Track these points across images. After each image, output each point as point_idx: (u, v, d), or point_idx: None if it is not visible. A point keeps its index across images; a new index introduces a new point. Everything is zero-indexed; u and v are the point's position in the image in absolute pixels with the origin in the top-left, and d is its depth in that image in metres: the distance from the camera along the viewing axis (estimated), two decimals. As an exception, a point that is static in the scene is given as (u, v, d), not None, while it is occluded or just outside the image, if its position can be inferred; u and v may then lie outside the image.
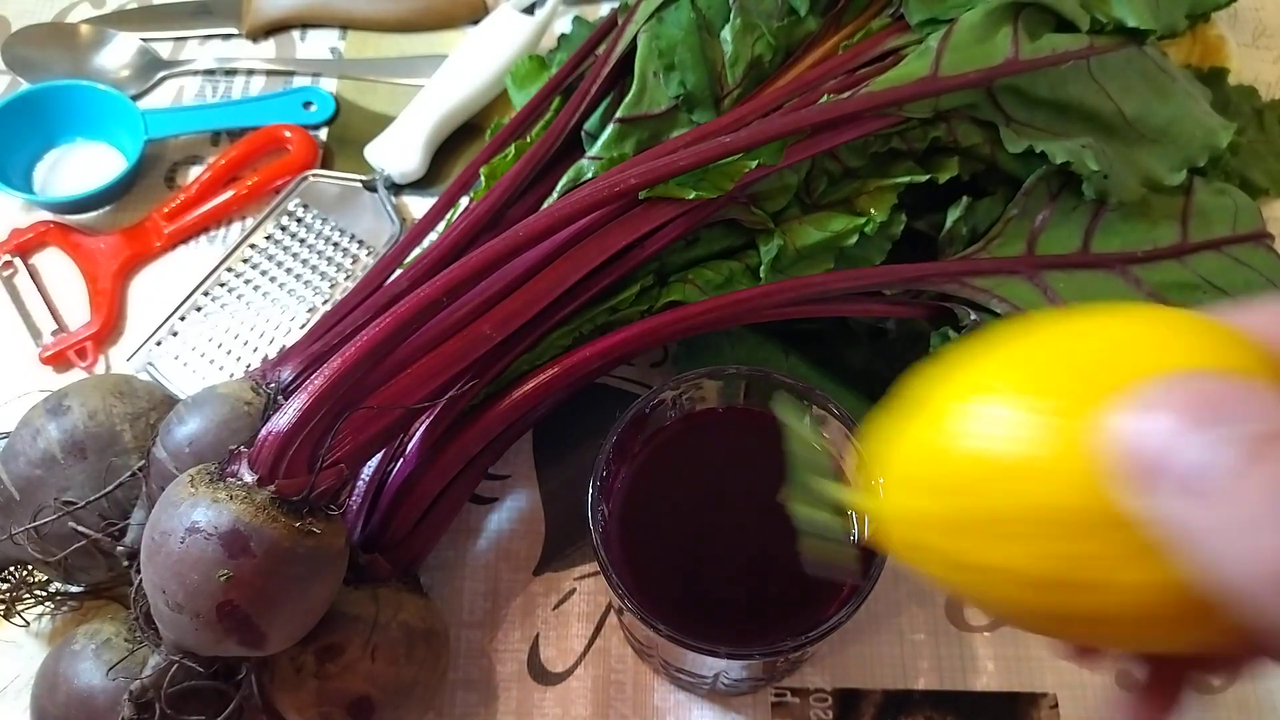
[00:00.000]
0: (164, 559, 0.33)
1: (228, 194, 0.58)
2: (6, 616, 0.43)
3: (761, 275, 0.46)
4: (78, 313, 0.56)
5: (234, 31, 0.66)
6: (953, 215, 0.47)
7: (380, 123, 0.61)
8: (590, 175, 0.46)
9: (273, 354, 0.53)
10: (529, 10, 0.63)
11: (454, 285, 0.39)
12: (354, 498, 0.43)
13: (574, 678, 0.46)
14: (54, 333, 0.55)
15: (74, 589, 0.44)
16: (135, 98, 0.62)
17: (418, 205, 0.59)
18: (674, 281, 0.46)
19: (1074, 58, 0.46)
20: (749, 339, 0.48)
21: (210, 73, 0.65)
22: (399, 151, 0.58)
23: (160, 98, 0.64)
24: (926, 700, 0.45)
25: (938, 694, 0.45)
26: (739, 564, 0.40)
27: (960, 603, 0.46)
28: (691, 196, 0.43)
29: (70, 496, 0.40)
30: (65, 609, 0.45)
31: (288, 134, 0.60)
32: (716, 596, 0.40)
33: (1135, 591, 0.20)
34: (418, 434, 0.43)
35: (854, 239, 0.46)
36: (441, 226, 0.49)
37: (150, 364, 0.53)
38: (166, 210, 0.58)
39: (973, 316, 0.45)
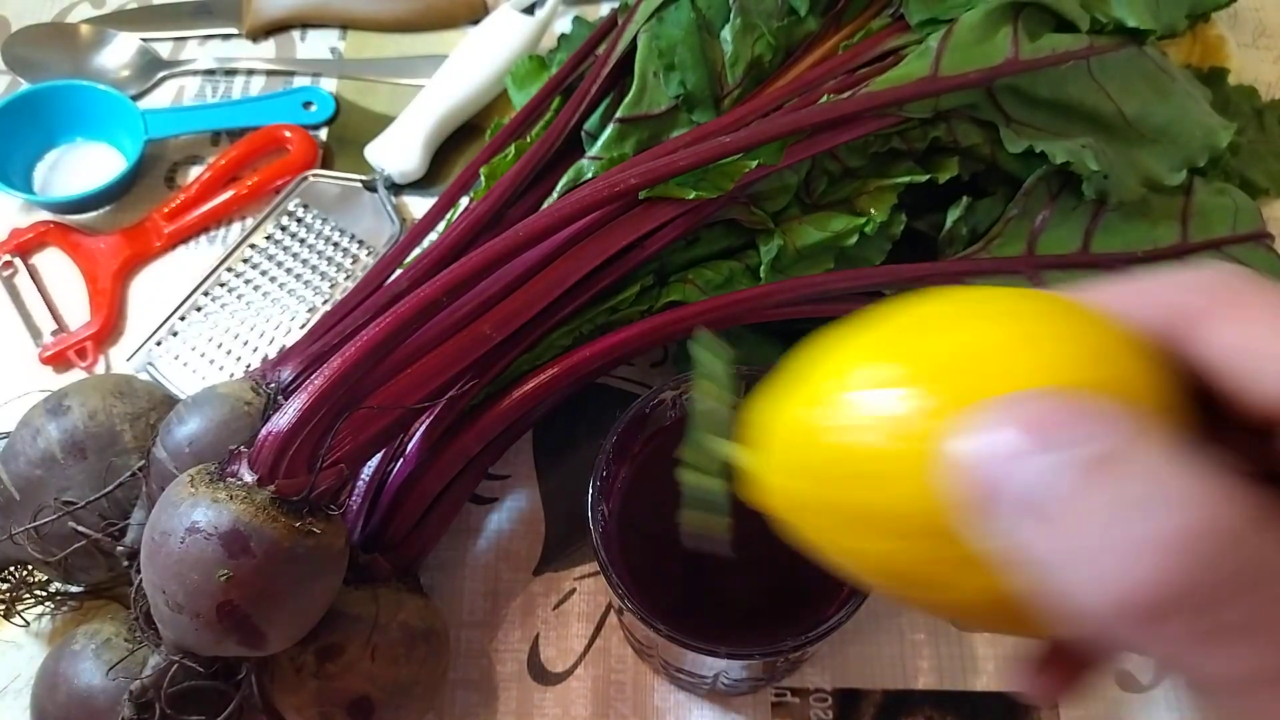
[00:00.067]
0: (164, 559, 0.33)
1: (228, 194, 0.58)
2: (6, 616, 0.43)
3: (761, 275, 0.46)
4: (78, 313, 0.56)
5: (234, 31, 0.66)
6: (953, 215, 0.47)
7: (380, 123, 0.61)
8: (590, 175, 0.46)
9: (273, 354, 0.53)
10: (529, 10, 0.63)
11: (454, 285, 0.39)
12: (354, 498, 0.43)
13: (574, 678, 0.46)
14: (54, 333, 0.55)
15: (74, 589, 0.44)
16: (135, 98, 0.62)
17: (418, 205, 0.59)
18: (674, 281, 0.46)
19: (1074, 58, 0.46)
20: (749, 339, 0.48)
21: (210, 73, 0.65)
22: (399, 151, 0.58)
23: (160, 98, 0.64)
24: (926, 700, 0.45)
25: (938, 694, 0.45)
26: (739, 564, 0.40)
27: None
28: (691, 196, 0.43)
29: (70, 496, 0.40)
30: (65, 609, 0.45)
31: (288, 134, 0.60)
32: (716, 596, 0.40)
33: (983, 593, 0.20)
34: (418, 434, 0.43)
35: (854, 239, 0.46)
36: (441, 226, 0.49)
37: (150, 364, 0.53)
38: (166, 210, 0.58)
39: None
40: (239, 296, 0.55)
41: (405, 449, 0.43)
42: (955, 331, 0.21)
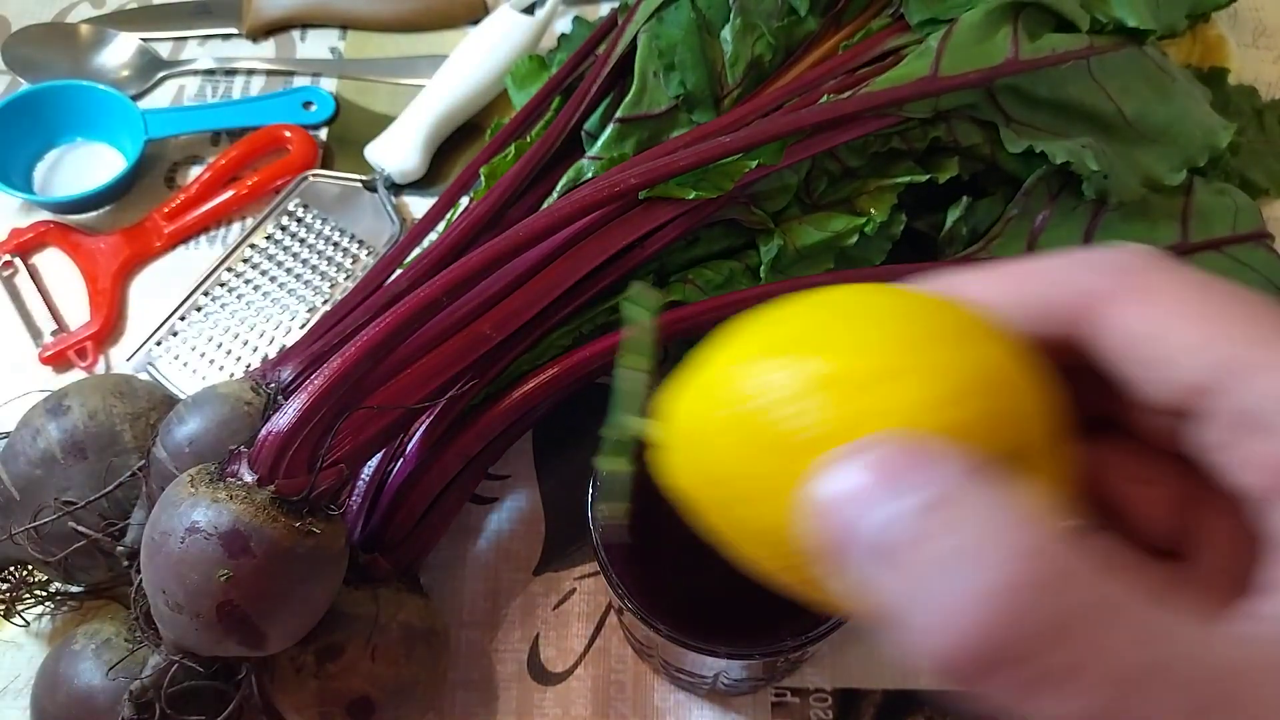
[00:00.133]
0: (164, 559, 0.33)
1: (228, 194, 0.58)
2: (6, 616, 0.43)
3: (761, 275, 0.46)
4: (78, 313, 0.56)
5: (234, 31, 0.66)
6: (953, 215, 0.47)
7: (380, 123, 0.61)
8: (590, 175, 0.46)
9: (273, 354, 0.53)
10: (529, 10, 0.63)
11: (454, 285, 0.39)
12: (354, 498, 0.43)
13: (574, 678, 0.46)
14: (54, 333, 0.55)
15: (74, 589, 0.44)
16: (135, 98, 0.62)
17: (418, 205, 0.59)
18: (674, 281, 0.46)
19: (1074, 58, 0.46)
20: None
21: (210, 73, 0.65)
22: (399, 151, 0.58)
23: (160, 98, 0.64)
24: (926, 700, 0.45)
25: (938, 694, 0.45)
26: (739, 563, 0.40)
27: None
28: (691, 196, 0.43)
29: (70, 496, 0.40)
30: (65, 609, 0.45)
31: (288, 134, 0.60)
32: (716, 596, 0.40)
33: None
34: (418, 434, 0.43)
35: (854, 239, 0.46)
36: (441, 226, 0.49)
37: (150, 364, 0.53)
38: (166, 210, 0.58)
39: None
40: (239, 296, 0.55)
41: (405, 449, 0.43)
42: (837, 349, 0.20)
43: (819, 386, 0.19)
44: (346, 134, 0.62)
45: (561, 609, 0.47)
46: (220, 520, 0.33)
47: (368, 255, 0.56)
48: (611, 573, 0.36)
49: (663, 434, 0.23)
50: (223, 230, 0.59)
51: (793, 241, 0.46)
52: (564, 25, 0.61)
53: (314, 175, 0.58)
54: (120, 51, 0.64)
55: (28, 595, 0.44)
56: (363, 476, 0.43)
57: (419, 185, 0.60)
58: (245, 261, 0.56)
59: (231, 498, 0.33)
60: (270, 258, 0.56)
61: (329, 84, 0.64)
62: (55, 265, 0.57)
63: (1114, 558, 0.17)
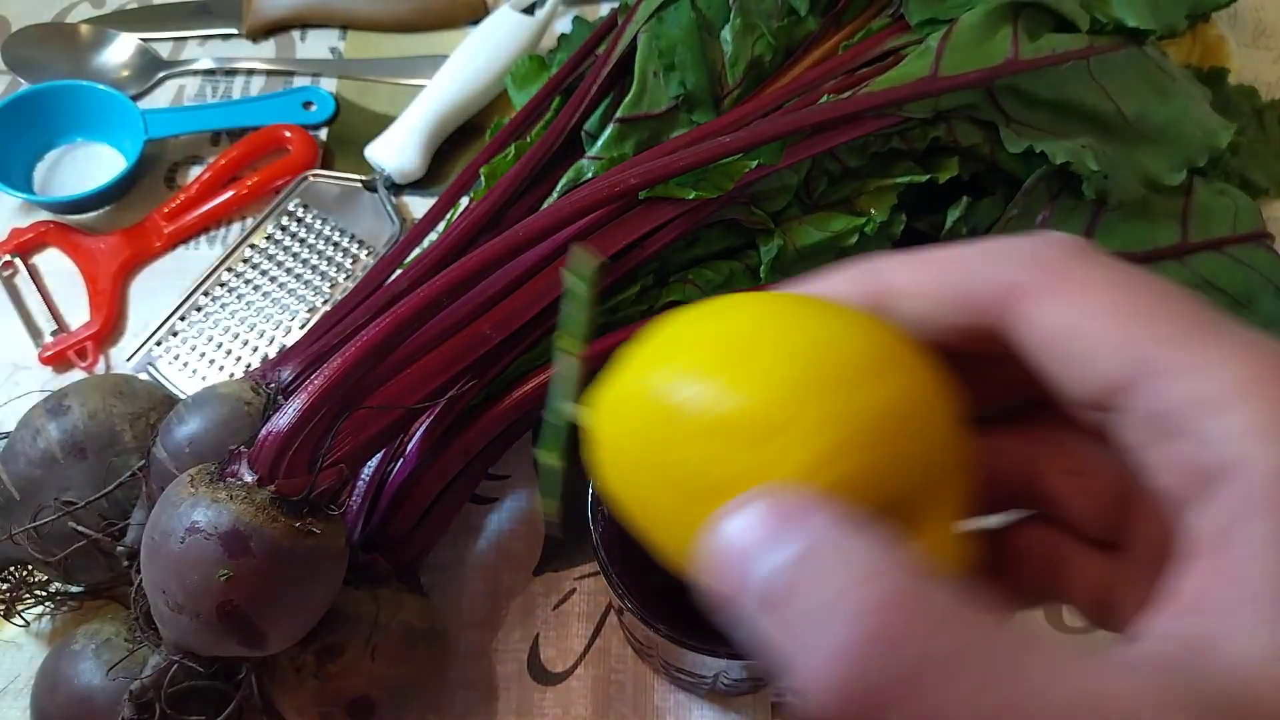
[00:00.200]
0: (164, 559, 0.33)
1: (228, 194, 0.58)
2: (6, 616, 0.43)
3: (761, 275, 0.46)
4: (78, 313, 0.56)
5: (234, 31, 0.66)
6: (953, 215, 0.47)
7: (380, 123, 0.61)
8: (590, 175, 0.46)
9: (273, 354, 0.53)
10: (529, 10, 0.63)
11: (454, 285, 0.39)
12: (354, 498, 0.43)
13: (574, 678, 0.46)
14: (54, 333, 0.55)
15: (74, 589, 0.44)
16: (135, 98, 0.62)
17: (418, 205, 0.59)
18: (674, 281, 0.46)
19: (1074, 58, 0.46)
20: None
21: (210, 73, 0.65)
22: (399, 151, 0.58)
23: (160, 98, 0.64)
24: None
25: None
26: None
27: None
28: (691, 196, 0.43)
29: (70, 496, 0.40)
30: (65, 609, 0.45)
31: (288, 134, 0.60)
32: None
33: None
34: (418, 434, 0.43)
35: (854, 239, 0.46)
36: (441, 226, 0.49)
37: (150, 364, 0.53)
38: (166, 210, 0.58)
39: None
40: (239, 296, 0.55)
41: (405, 449, 0.43)
42: (741, 383, 0.20)
43: (716, 433, 0.20)
44: (346, 134, 0.62)
45: (561, 609, 0.47)
46: (220, 520, 0.33)
47: (368, 255, 0.56)
48: (611, 573, 0.36)
49: (590, 427, 0.23)
50: (223, 230, 0.59)
51: (793, 241, 0.46)
52: (564, 25, 0.61)
53: (314, 175, 0.58)
54: (120, 51, 0.64)
55: (28, 595, 0.43)
56: (363, 476, 0.43)
57: (419, 185, 0.60)
58: (245, 261, 0.56)
59: (231, 498, 0.33)
60: (270, 258, 0.56)
61: (329, 84, 0.64)
62: (55, 265, 0.57)
63: (971, 602, 0.17)
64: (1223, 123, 0.49)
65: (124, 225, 0.58)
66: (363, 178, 0.58)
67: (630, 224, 0.44)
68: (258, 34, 0.66)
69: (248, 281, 0.55)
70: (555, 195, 0.47)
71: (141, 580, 0.35)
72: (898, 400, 0.20)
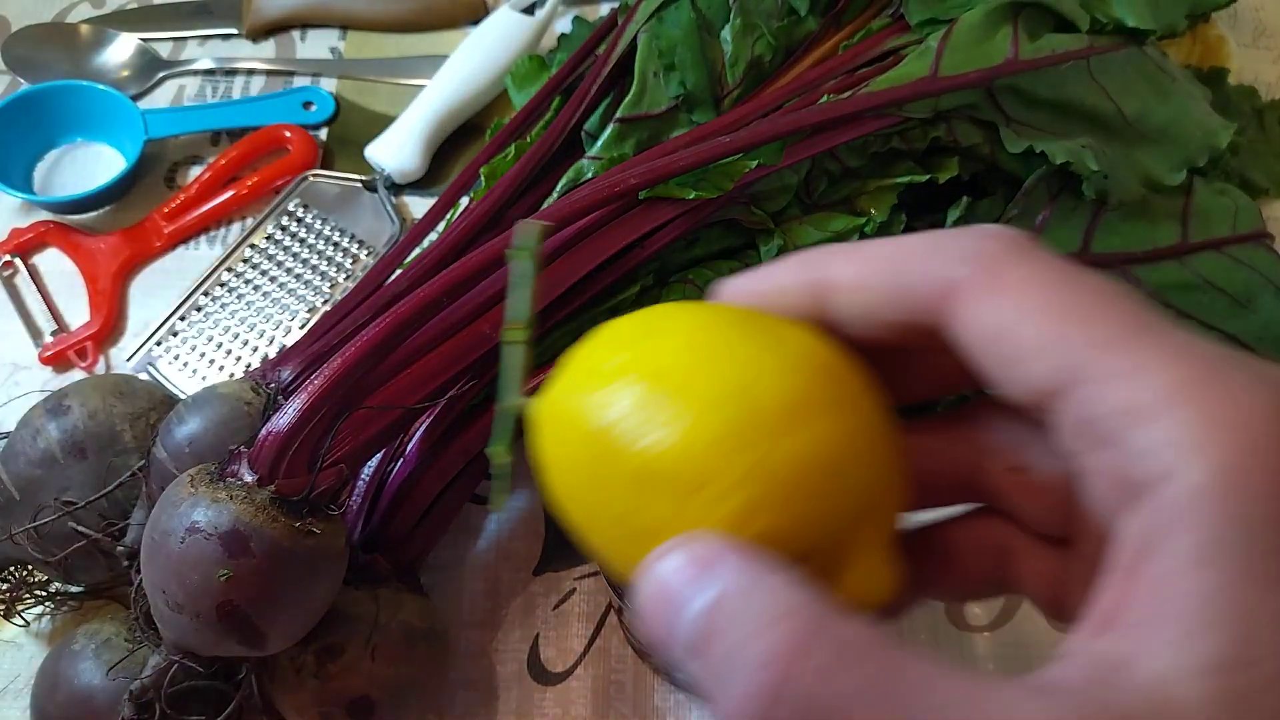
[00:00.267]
0: (164, 559, 0.33)
1: (228, 194, 0.58)
2: (6, 616, 0.43)
3: (761, 275, 0.46)
4: (78, 313, 0.56)
5: (234, 31, 0.66)
6: (953, 215, 0.47)
7: (380, 123, 0.61)
8: (590, 175, 0.46)
9: (273, 354, 0.53)
10: (529, 10, 0.63)
11: (454, 285, 0.39)
12: (354, 498, 0.43)
13: (574, 678, 0.46)
14: (54, 333, 0.55)
15: (74, 589, 0.44)
16: (135, 98, 0.62)
17: (418, 205, 0.59)
18: (674, 281, 0.46)
19: (1074, 58, 0.46)
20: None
21: (210, 73, 0.65)
22: (399, 151, 0.58)
23: (160, 98, 0.64)
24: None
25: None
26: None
27: (959, 604, 0.46)
28: (691, 196, 0.43)
29: (70, 496, 0.40)
30: (65, 609, 0.45)
31: (288, 134, 0.60)
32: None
33: None
34: (418, 434, 0.43)
35: (854, 239, 0.46)
36: (441, 226, 0.49)
37: (150, 364, 0.53)
38: (166, 210, 0.58)
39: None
40: (239, 296, 0.55)
41: (405, 449, 0.43)
42: (671, 427, 0.20)
43: (644, 479, 0.20)
44: (346, 134, 0.62)
45: (561, 609, 0.47)
46: (220, 520, 0.33)
47: (368, 255, 0.56)
48: (611, 573, 0.36)
49: (533, 429, 0.23)
50: (223, 230, 0.59)
51: (793, 241, 0.46)
52: (564, 25, 0.61)
53: (314, 175, 0.58)
54: (120, 51, 0.64)
55: (28, 595, 0.43)
56: (363, 476, 0.43)
57: (419, 185, 0.60)
58: (245, 261, 0.56)
59: (231, 498, 0.33)
60: (270, 258, 0.56)
61: (329, 84, 0.64)
62: (55, 265, 0.57)
63: (883, 635, 0.17)
64: (1223, 123, 0.49)
65: (124, 225, 0.58)
66: (363, 178, 0.58)
67: (630, 224, 0.44)
68: (258, 34, 0.66)
69: (248, 281, 0.55)
70: (555, 195, 0.47)
71: (141, 580, 0.35)
72: (819, 450, 0.20)
